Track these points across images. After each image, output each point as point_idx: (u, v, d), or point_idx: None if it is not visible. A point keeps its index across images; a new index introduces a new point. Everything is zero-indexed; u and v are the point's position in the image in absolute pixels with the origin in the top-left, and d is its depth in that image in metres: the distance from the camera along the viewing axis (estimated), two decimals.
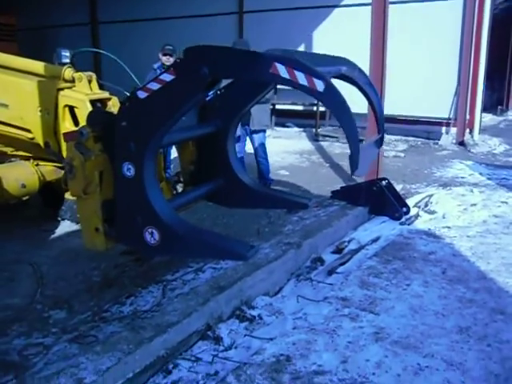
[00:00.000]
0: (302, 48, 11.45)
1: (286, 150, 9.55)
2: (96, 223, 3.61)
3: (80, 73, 4.23)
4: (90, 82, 4.26)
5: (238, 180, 4.27)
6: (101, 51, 4.91)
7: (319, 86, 2.81)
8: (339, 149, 9.73)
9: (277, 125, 11.52)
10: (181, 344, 3.41)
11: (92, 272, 4.48)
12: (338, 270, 4.59)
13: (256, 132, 6.40)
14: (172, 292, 4.10)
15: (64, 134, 3.78)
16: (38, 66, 4.44)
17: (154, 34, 12.26)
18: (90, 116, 3.88)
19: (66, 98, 4.14)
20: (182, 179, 4.77)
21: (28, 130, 4.37)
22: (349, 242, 5.11)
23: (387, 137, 10.61)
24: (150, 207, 3.34)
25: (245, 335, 3.63)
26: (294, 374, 3.07)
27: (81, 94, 4.14)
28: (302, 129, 11.47)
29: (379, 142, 3.97)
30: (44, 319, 3.75)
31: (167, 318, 3.51)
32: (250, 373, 3.07)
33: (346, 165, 7.25)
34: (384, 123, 3.95)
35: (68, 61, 5.36)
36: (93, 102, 4.15)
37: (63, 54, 5.19)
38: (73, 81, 4.23)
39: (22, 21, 13.18)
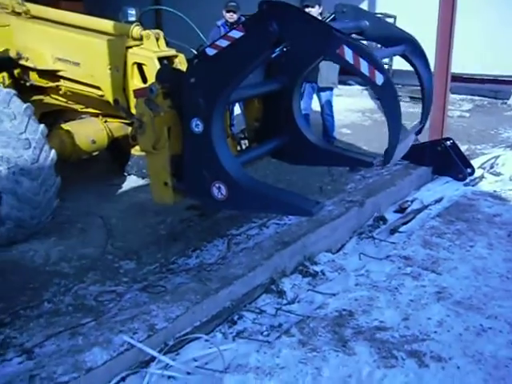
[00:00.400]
0: (365, 4, 11.08)
1: (348, 108, 9.40)
2: (164, 178, 3.70)
3: (148, 31, 4.28)
4: (157, 39, 4.28)
5: (303, 137, 4.26)
6: (169, 9, 4.94)
7: (379, 79, 2.85)
8: (402, 108, 9.36)
9: (339, 83, 11.27)
10: (245, 296, 3.55)
11: (159, 226, 4.65)
12: (401, 230, 4.58)
13: (323, 89, 6.32)
14: (237, 246, 4.20)
15: (134, 90, 3.88)
16: (108, 24, 4.52)
17: None
18: (159, 73, 3.94)
19: (134, 55, 4.20)
20: (246, 136, 4.83)
21: (98, 88, 4.49)
22: (412, 201, 5.07)
23: (452, 96, 10.27)
24: (218, 162, 3.40)
25: (308, 290, 3.73)
26: (356, 329, 3.13)
27: (149, 51, 4.19)
28: (364, 87, 11.21)
29: (419, 131, 3.98)
30: (115, 269, 3.95)
31: (232, 270, 3.64)
32: (312, 326, 3.16)
33: (409, 124, 7.08)
34: (429, 113, 3.94)
35: (134, 19, 5.46)
36: (160, 60, 4.20)
37: (129, 12, 5.29)
38: (141, 39, 4.29)
39: None
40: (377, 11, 10.94)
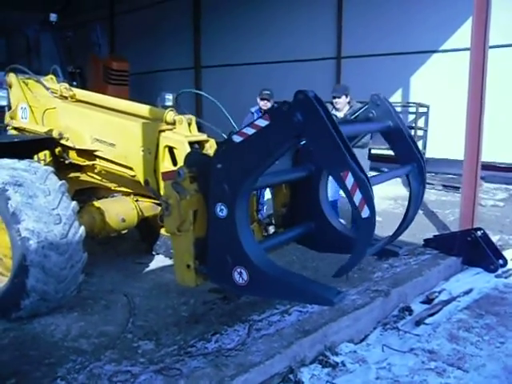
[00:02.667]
0: (399, 93, 11.37)
1: (380, 195, 9.38)
2: (188, 260, 3.75)
3: (181, 116, 4.47)
4: (189, 124, 4.47)
5: (329, 224, 4.29)
6: (200, 92, 5.20)
7: (365, 213, 2.98)
8: (434, 196, 9.46)
9: (372, 169, 11.38)
10: None
11: (181, 307, 4.64)
12: (427, 321, 4.43)
13: None
14: (257, 332, 4.13)
15: (163, 173, 4.01)
16: (144, 109, 4.76)
17: (253, 78, 12.73)
18: (188, 157, 4.10)
19: (166, 139, 4.37)
20: (273, 221, 4.88)
21: (130, 168, 4.66)
22: (439, 292, 4.93)
23: (486, 185, 10.19)
24: (241, 247, 3.42)
25: (326, 381, 3.59)
26: None
27: (180, 135, 4.36)
28: None
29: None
30: (133, 348, 3.92)
31: (250, 357, 3.56)
32: None
33: (441, 213, 7.04)
34: (403, 231, 4.24)
35: (170, 103, 5.75)
36: (191, 144, 4.35)
37: (166, 97, 5.59)
38: (174, 123, 4.48)
39: (133, 66, 14.21)
40: (410, 101, 11.22)
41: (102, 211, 5.11)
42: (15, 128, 5.39)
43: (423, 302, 4.83)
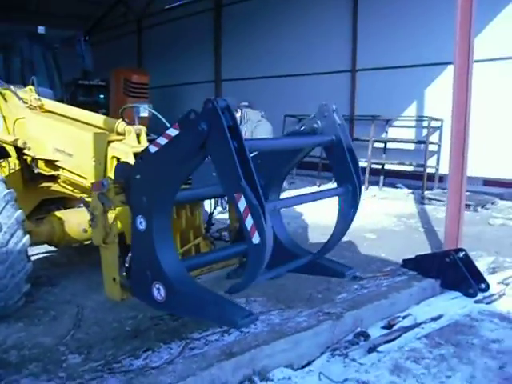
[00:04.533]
0: (413, 105, 10.97)
1: (385, 211, 9.03)
2: (113, 273, 3.69)
3: (130, 127, 4.40)
4: (138, 135, 4.40)
5: (277, 242, 4.08)
6: (154, 112, 5.14)
7: (255, 239, 2.87)
8: (442, 213, 8.93)
9: (386, 185, 11.02)
10: None
11: (127, 321, 4.51)
12: (380, 349, 4.10)
13: None
14: (190, 351, 3.95)
15: (91, 183, 3.93)
16: (99, 119, 4.74)
17: (271, 91, 12.67)
18: (116, 168, 4.03)
19: (113, 149, 4.31)
20: (222, 236, 4.71)
21: (85, 179, 4.63)
22: (404, 317, 4.58)
23: (501, 202, 9.59)
24: (158, 262, 3.32)
25: None
26: None
27: (127, 146, 4.29)
28: (411, 190, 10.80)
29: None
30: (59, 362, 3.82)
31: (161, 378, 3.39)
32: None
33: (442, 231, 6.61)
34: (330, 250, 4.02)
35: (146, 115, 5.72)
36: (136, 155, 4.28)
37: (141, 108, 5.56)
38: (124, 134, 4.42)
39: (154, 79, 14.42)
40: (424, 114, 10.80)
41: (62, 221, 5.07)
42: None
43: (384, 328, 4.50)
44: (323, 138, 3.83)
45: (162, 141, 3.22)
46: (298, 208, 8.19)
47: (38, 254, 6.23)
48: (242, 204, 2.86)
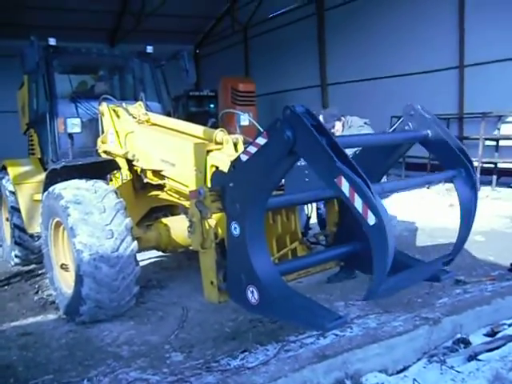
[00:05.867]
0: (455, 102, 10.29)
1: (497, 213, 8.52)
2: (211, 277, 3.87)
3: (227, 136, 4.61)
4: (235, 144, 4.59)
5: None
6: (252, 120, 5.30)
7: (371, 219, 2.76)
8: None
9: (499, 185, 10.38)
10: None
11: (227, 323, 4.73)
12: (481, 357, 3.94)
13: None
14: (286, 353, 4.06)
15: (189, 192, 4.17)
16: (198, 129, 5.01)
17: (377, 92, 12.46)
18: (213, 176, 4.26)
19: (212, 158, 4.54)
20: (319, 240, 4.76)
21: (187, 187, 4.92)
22: (509, 325, 4.34)
23: None
24: (251, 266, 3.45)
25: None
26: None
27: (225, 155, 4.50)
28: None
29: (447, 263, 3.61)
30: (163, 359, 4.12)
31: (254, 378, 3.52)
32: None
33: None
34: (462, 245, 3.73)
35: (246, 123, 5.95)
36: None
37: (242, 117, 5.81)
38: (222, 143, 4.65)
39: (260, 87, 14.75)
40: (465, 112, 10.03)
41: (168, 227, 5.44)
42: (104, 151, 6.00)
43: (487, 335, 4.30)
44: (416, 134, 3.78)
45: (252, 149, 3.36)
46: (403, 212, 8.00)
47: (149, 258, 6.71)
48: (345, 187, 2.82)
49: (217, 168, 4.51)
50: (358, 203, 2.78)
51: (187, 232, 3.92)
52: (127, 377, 3.85)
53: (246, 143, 4.83)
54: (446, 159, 3.74)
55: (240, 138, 4.70)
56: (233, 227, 3.54)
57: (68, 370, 4.00)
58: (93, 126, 6.28)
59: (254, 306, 3.51)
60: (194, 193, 3.86)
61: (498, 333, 4.27)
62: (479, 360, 3.91)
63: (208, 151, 4.60)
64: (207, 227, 3.83)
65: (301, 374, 3.55)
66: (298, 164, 3.92)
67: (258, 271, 3.44)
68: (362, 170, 2.87)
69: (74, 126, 5.57)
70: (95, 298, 4.55)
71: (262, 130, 4.85)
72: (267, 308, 3.46)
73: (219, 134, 4.67)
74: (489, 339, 4.22)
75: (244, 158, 3.44)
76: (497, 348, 4.05)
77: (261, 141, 3.30)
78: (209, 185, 4.59)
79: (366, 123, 9.11)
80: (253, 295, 3.50)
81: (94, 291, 4.53)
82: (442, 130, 3.74)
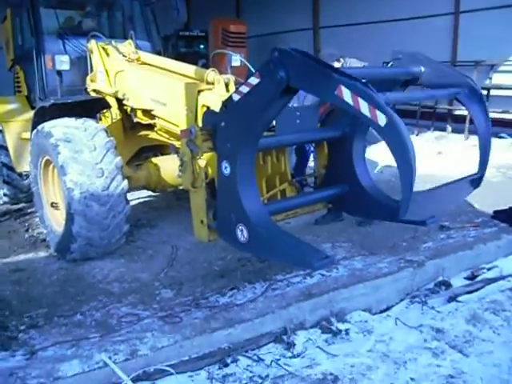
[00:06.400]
0: None
1: None
2: (201, 216, 3.91)
3: (219, 76, 4.56)
4: (227, 84, 4.55)
5: (361, 188, 4.16)
6: (245, 61, 5.22)
7: (381, 120, 2.67)
8: None
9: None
10: (248, 342, 3.52)
11: (216, 261, 4.84)
12: (460, 299, 4.10)
13: None
14: (273, 291, 4.18)
15: (180, 131, 4.15)
16: (190, 69, 4.93)
17: (371, 37, 12.23)
18: (203, 116, 4.24)
19: (203, 98, 4.49)
20: (307, 182, 4.80)
21: (178, 126, 4.90)
22: (489, 269, 4.50)
23: None
24: (241, 205, 3.49)
25: (316, 346, 3.56)
26: None
27: (216, 95, 4.46)
28: None
29: (476, 182, 3.54)
30: (154, 295, 4.23)
31: (242, 314, 3.66)
32: None
33: None
34: (486, 163, 3.59)
35: (238, 64, 5.85)
36: None
37: (233, 57, 5.71)
38: (213, 83, 4.60)
39: (251, 29, 14.39)
40: (458, 59, 9.91)
41: (158, 167, 5.45)
42: (93, 90, 5.90)
43: (467, 278, 4.46)
44: (411, 69, 3.74)
45: (244, 89, 3.33)
46: (391, 159, 7.97)
47: (139, 198, 6.74)
48: (346, 95, 2.76)
49: (208, 108, 4.47)
50: (364, 107, 2.71)
51: (178, 171, 3.94)
52: (118, 312, 3.96)
53: (237, 84, 4.81)
54: (445, 83, 3.68)
55: (231, 78, 4.65)
56: (223, 166, 3.56)
57: (61, 304, 4.09)
58: (81, 64, 6.14)
59: (243, 245, 3.57)
60: (185, 132, 3.86)
61: (477, 276, 4.44)
62: (458, 301, 4.09)
63: (199, 91, 4.55)
64: (198, 166, 3.85)
65: (287, 311, 3.69)
66: (290, 105, 3.92)
67: (247, 210, 3.48)
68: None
69: (63, 63, 5.44)
70: (86, 235, 4.61)
71: (253, 70, 4.85)
72: (256, 246, 3.52)
73: (210, 73, 4.61)
74: (469, 282, 4.38)
75: (236, 97, 3.42)
76: (476, 290, 4.23)
77: (253, 81, 3.27)
78: (200, 124, 4.62)
79: (364, 66, 9.03)
80: (242, 234, 3.55)
81: (84, 229, 4.57)
82: (434, 62, 3.71)
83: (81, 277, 4.59)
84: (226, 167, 3.55)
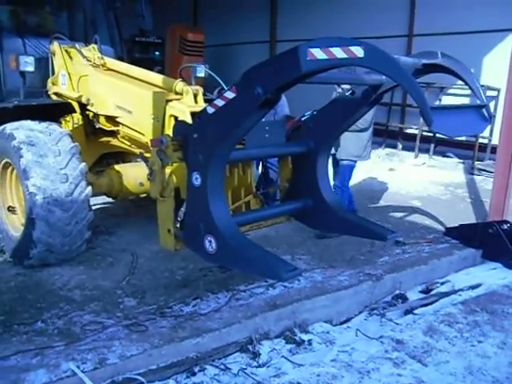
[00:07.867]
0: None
1: (433, 180, 9.01)
2: (168, 225, 3.93)
3: (188, 87, 4.60)
4: (195, 95, 4.59)
5: (324, 202, 4.27)
6: (210, 72, 5.29)
7: (358, 52, 2.73)
8: (491, 184, 8.81)
9: (436, 153, 10.90)
10: (215, 351, 3.56)
11: (178, 271, 4.83)
12: (416, 312, 4.29)
13: (342, 160, 6.13)
14: (236, 301, 4.23)
15: (151, 140, 4.15)
16: (158, 78, 4.95)
17: None
18: (175, 127, 4.25)
19: (171, 108, 4.51)
20: (271, 195, 4.90)
21: (143, 135, 4.89)
22: (442, 283, 4.73)
23: None
24: (210, 216, 3.53)
25: (282, 356, 3.64)
26: None
27: (185, 105, 4.49)
28: (462, 160, 10.66)
29: (484, 116, 3.60)
30: (117, 303, 4.18)
31: (209, 323, 3.70)
32: None
33: (489, 202, 6.61)
34: (482, 93, 3.62)
35: (202, 75, 5.89)
36: (193, 114, 4.48)
37: (198, 69, 5.73)
38: (182, 93, 4.63)
39: (209, 38, 14.48)
40: (481, 83, 10.46)
41: (120, 174, 5.39)
42: (55, 93, 5.79)
43: (422, 292, 4.67)
44: (376, 77, 3.69)
45: (220, 102, 3.39)
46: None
47: (95, 204, 6.63)
48: (319, 54, 2.85)
49: (176, 118, 4.51)
50: (338, 52, 2.78)
51: (140, 179, 3.94)
52: (81, 320, 3.89)
53: (205, 95, 4.87)
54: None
55: (200, 89, 4.70)
56: (194, 177, 3.59)
57: (20, 312, 3.98)
58: (42, 66, 6.02)
59: (211, 255, 3.61)
60: (155, 141, 3.86)
61: (432, 290, 4.65)
62: (415, 314, 4.28)
63: (167, 101, 4.57)
64: (167, 176, 3.88)
65: (253, 321, 3.76)
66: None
67: (216, 221, 3.53)
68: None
69: (28, 64, 5.31)
70: (47, 241, 4.51)
71: (220, 81, 4.91)
72: (224, 257, 3.56)
73: (179, 84, 4.64)
74: (424, 295, 4.59)
75: (210, 110, 3.47)
76: (431, 303, 4.44)
77: (229, 95, 3.33)
78: (168, 134, 4.63)
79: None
80: (210, 244, 3.59)
81: (45, 235, 4.47)
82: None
83: (40, 283, 4.48)
84: (196, 178, 3.58)
